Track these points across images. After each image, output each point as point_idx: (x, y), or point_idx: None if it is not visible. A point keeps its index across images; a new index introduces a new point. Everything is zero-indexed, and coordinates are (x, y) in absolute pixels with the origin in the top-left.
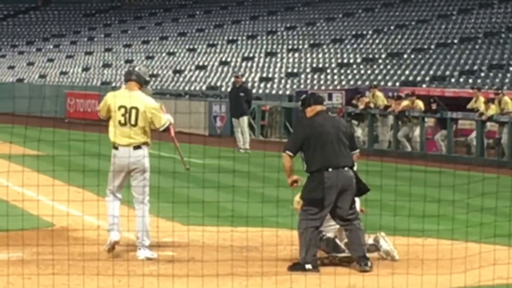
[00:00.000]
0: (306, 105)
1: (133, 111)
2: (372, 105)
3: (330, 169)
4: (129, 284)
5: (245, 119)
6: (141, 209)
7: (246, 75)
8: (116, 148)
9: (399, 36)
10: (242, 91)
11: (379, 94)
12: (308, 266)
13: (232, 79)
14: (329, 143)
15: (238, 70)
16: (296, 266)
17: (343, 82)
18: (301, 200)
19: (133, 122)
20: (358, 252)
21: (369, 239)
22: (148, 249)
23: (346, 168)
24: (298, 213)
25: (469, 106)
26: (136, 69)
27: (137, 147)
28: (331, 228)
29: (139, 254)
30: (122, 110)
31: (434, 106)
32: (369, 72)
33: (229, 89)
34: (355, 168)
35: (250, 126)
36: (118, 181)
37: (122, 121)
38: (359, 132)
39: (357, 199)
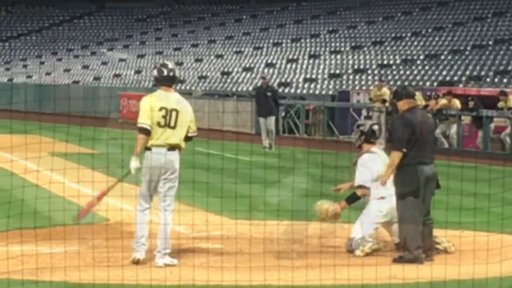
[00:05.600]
0: (398, 99)
1: (174, 113)
2: None
3: (425, 165)
4: (180, 275)
5: (272, 119)
6: (163, 216)
7: (291, 76)
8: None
9: (437, 38)
10: (269, 91)
11: (417, 94)
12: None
13: (278, 81)
14: (425, 140)
15: (284, 71)
16: (401, 259)
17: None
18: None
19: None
20: (427, 244)
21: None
22: (168, 256)
23: (433, 164)
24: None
25: (499, 105)
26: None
27: (172, 148)
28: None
29: (158, 261)
30: (163, 112)
31: (471, 104)
32: (408, 72)
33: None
34: None
35: (295, 125)
36: None
37: (162, 123)
38: None
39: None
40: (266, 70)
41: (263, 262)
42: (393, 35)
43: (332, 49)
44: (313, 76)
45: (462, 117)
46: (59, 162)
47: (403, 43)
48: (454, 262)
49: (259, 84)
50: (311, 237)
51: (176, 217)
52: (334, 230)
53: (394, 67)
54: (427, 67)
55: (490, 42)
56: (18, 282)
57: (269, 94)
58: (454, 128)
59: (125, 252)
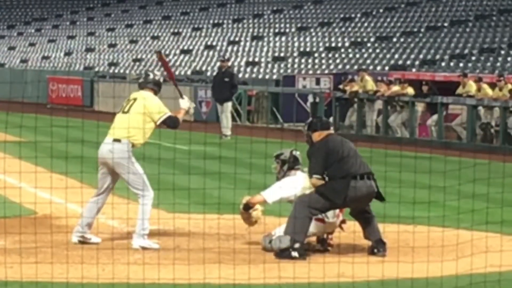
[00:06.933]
0: (313, 130)
1: (131, 101)
2: (360, 90)
3: (357, 178)
4: (114, 273)
5: (228, 105)
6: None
7: (232, 59)
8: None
9: (388, 19)
10: (227, 76)
11: (368, 78)
12: (295, 254)
13: (218, 64)
14: (350, 156)
15: (224, 54)
16: (283, 253)
17: (331, 66)
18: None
19: (126, 110)
20: (375, 236)
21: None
22: (143, 239)
23: (369, 177)
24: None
25: (458, 91)
26: (151, 77)
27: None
28: None
29: (133, 243)
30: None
31: (425, 90)
32: (357, 56)
33: (214, 74)
34: None
35: (237, 112)
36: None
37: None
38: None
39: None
40: (205, 53)
41: (203, 258)
42: (341, 15)
43: (277, 30)
44: (256, 60)
45: (416, 104)
46: None
47: (353, 24)
48: (407, 259)
49: (217, 67)
50: (253, 233)
51: (109, 211)
52: (278, 225)
53: (343, 50)
54: (378, 50)
55: (446, 24)
56: None
57: (226, 79)
58: (406, 116)
59: (54, 248)
